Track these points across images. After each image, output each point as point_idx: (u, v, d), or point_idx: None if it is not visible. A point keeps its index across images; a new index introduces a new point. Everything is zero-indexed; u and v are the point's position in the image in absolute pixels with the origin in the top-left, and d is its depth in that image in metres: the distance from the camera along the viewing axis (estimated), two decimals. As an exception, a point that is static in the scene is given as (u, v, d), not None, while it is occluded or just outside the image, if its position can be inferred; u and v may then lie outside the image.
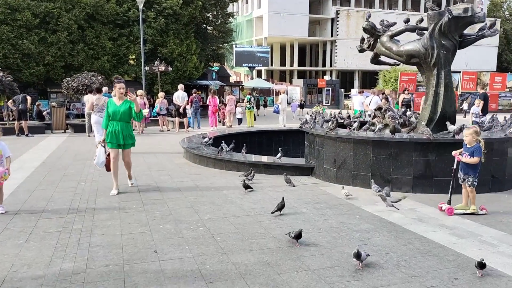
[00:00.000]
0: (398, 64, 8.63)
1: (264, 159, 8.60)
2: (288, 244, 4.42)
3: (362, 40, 8.68)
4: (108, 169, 6.85)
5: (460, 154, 5.56)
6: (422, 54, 7.44)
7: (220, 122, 19.51)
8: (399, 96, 19.39)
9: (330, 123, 7.46)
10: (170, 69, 22.35)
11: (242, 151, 8.89)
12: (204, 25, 33.95)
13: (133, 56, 28.81)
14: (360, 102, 15.71)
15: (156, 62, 21.33)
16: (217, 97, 18.83)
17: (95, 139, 12.21)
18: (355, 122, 7.79)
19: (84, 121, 16.76)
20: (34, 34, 24.71)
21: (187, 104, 16.89)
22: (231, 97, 19.12)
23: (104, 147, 6.87)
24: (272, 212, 5.44)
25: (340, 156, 7.23)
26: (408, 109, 10.20)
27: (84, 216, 5.36)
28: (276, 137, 13.87)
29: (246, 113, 18.99)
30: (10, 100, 14.81)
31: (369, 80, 66.93)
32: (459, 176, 5.65)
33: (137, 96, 16.79)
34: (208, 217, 5.37)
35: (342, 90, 51.28)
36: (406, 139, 6.73)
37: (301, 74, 64.29)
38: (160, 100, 17.31)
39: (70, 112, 26.65)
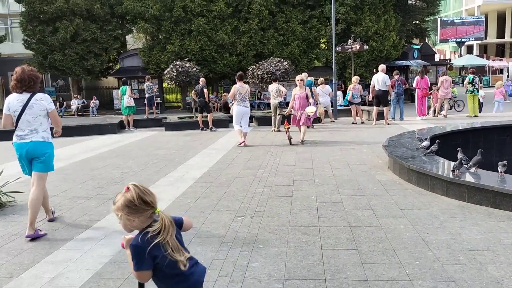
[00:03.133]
0: None
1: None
2: None
3: None
4: None
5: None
6: None
7: (430, 110, 15.33)
8: None
9: None
10: (366, 47, 18.99)
11: (500, 169, 5.15)
12: (406, -4, 29.13)
13: (324, 40, 26.41)
14: None
15: (349, 40, 18.24)
16: (427, 77, 14.70)
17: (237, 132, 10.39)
18: None
19: (270, 112, 15.02)
20: (227, 24, 24.60)
21: (391, 89, 13.42)
22: (446, 78, 14.69)
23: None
24: None
25: None
26: None
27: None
28: (528, 135, 9.27)
29: (467, 97, 14.35)
30: (193, 91, 13.95)
31: None
32: None
33: (316, 85, 14.01)
34: None
35: None
36: None
37: (526, 47, 51.89)
38: (353, 86, 14.25)
39: (261, 102, 26.02)
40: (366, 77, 25.33)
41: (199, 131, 13.70)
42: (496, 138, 9.20)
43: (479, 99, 14.72)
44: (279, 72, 14.72)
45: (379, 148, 8.81)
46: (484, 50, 52.80)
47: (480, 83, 15.25)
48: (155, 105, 17.63)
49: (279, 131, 12.57)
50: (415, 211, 4.81)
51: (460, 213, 4.67)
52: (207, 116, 13.79)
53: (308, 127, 10.76)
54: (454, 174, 5.27)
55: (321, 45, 27.01)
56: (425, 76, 14.52)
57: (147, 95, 17.16)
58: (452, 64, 37.97)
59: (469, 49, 51.01)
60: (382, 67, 13.47)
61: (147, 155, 9.50)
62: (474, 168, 5.45)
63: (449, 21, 44.28)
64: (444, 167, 5.74)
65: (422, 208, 4.91)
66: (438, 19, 43.14)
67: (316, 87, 14.44)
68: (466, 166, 5.38)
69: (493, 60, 43.43)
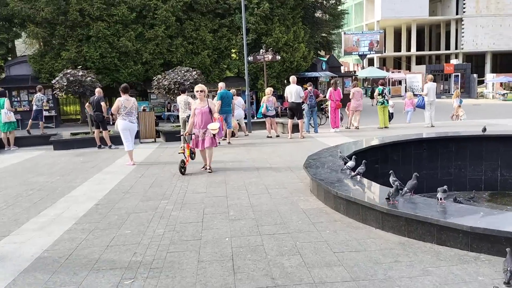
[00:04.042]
0: None
1: None
2: None
3: None
4: None
5: None
6: None
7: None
8: None
9: None
10: (278, 57, 18.53)
11: (439, 195, 4.48)
12: (312, 9, 29.66)
13: (235, 50, 25.71)
14: None
15: (261, 50, 17.62)
16: (340, 89, 14.49)
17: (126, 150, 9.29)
18: None
19: (179, 126, 13.72)
20: (131, 30, 22.77)
21: (303, 101, 12.90)
22: (358, 89, 14.61)
23: None
24: None
25: None
26: None
27: None
28: (443, 148, 9.14)
29: (378, 109, 14.37)
30: (87, 104, 12.19)
31: (500, 63, 56.64)
32: None
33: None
34: None
35: (475, 75, 43.18)
36: None
37: (419, 60, 56.58)
38: (267, 97, 13.50)
39: (171, 114, 24.45)
40: (278, 88, 25.06)
41: (95, 149, 11.95)
42: (414, 152, 8.92)
43: (388, 110, 14.82)
44: (188, 83, 13.51)
45: (298, 166, 8.02)
46: (383, 63, 56.51)
47: (389, 94, 15.40)
48: (43, 120, 15.25)
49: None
50: (351, 254, 3.92)
51: (404, 254, 3.87)
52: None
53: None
54: (389, 203, 4.51)
55: (233, 55, 26.29)
56: (338, 88, 14.27)
57: (34, 107, 14.84)
58: (357, 75, 39.65)
59: (370, 62, 54.19)
60: (293, 78, 12.85)
61: (23, 183, 7.69)
62: (409, 194, 4.76)
63: (352, 34, 46.44)
64: (376, 194, 4.99)
65: (359, 248, 4.04)
66: (342, 33, 45.06)
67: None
68: (401, 192, 4.66)
69: (392, 72, 46.36)
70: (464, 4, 52.22)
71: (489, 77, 42.81)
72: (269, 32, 24.25)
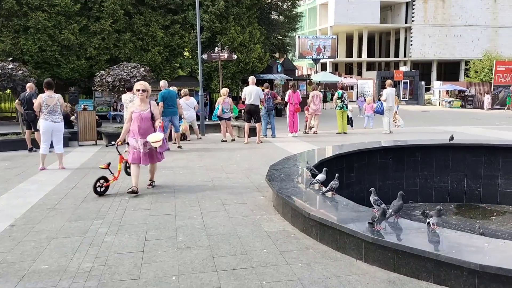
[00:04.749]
0: None
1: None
2: None
3: None
4: None
5: None
6: None
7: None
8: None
9: None
10: (235, 57, 17.62)
11: (433, 220, 3.77)
12: (268, 10, 29.08)
13: (188, 48, 24.57)
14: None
15: (216, 48, 16.65)
16: (299, 92, 13.82)
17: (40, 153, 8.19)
18: None
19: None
20: (75, 22, 21.05)
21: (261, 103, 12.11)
22: (317, 93, 14.00)
23: None
24: None
25: None
26: None
27: None
28: (408, 157, 8.64)
29: (337, 113, 13.83)
30: (17, 101, 10.72)
31: (445, 72, 59.21)
32: None
33: (180, 96, 12.17)
34: None
35: (423, 82, 44.50)
36: None
37: (369, 66, 57.82)
38: (223, 99, 12.57)
39: (117, 114, 22.88)
40: (233, 90, 24.20)
41: (26, 152, 10.50)
42: (380, 160, 8.34)
43: (348, 115, 14.37)
44: (135, 80, 12.29)
45: (257, 176, 7.19)
46: (335, 68, 57.18)
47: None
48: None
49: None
50: (333, 298, 3.10)
51: (398, 298, 3.10)
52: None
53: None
54: (374, 230, 3.75)
55: (185, 53, 25.12)
56: (297, 90, 13.61)
57: (-45, 104, 13.03)
58: (312, 79, 39.56)
59: (323, 66, 54.61)
60: (253, 79, 12.04)
61: None
62: (394, 216, 4.03)
63: (306, 38, 46.43)
64: (356, 217, 4.21)
65: (341, 290, 3.23)
66: (296, 36, 44.92)
67: (179, 98, 12.39)
68: (388, 214, 3.91)
69: (345, 77, 46.84)
70: (413, 13, 53.93)
71: (436, 84, 44.25)
72: (224, 31, 23.33)
